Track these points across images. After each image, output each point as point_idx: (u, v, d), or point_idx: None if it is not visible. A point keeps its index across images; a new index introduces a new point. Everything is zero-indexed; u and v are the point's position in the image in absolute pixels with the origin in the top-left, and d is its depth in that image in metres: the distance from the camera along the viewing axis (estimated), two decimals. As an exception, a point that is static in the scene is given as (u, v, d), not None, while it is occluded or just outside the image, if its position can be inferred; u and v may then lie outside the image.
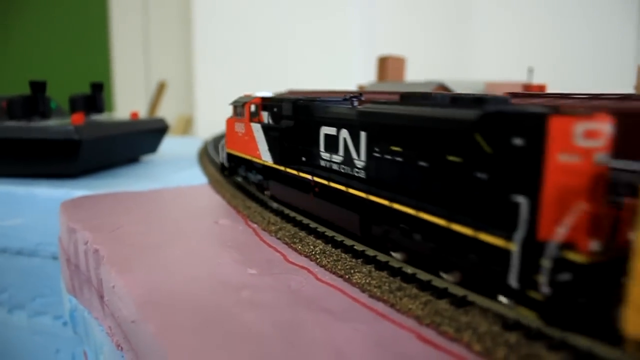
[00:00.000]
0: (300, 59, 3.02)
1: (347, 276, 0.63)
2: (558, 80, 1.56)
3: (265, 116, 0.95)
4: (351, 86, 1.89)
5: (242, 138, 1.07)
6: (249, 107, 1.01)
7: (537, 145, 0.45)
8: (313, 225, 0.80)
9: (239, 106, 1.06)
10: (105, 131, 1.35)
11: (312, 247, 0.73)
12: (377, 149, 0.67)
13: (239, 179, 1.16)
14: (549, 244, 0.44)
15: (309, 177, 0.83)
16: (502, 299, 0.50)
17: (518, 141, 0.47)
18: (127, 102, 3.67)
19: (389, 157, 0.64)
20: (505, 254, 0.48)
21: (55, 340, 1.18)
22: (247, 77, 2.94)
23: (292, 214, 0.87)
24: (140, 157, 1.71)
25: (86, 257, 0.82)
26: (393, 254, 0.67)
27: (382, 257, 0.65)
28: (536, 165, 0.45)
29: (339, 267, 0.66)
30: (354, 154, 0.72)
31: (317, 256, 0.70)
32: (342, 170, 0.75)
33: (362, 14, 3.01)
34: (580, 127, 0.44)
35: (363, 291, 0.60)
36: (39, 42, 3.82)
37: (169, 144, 1.94)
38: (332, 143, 0.76)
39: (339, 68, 2.90)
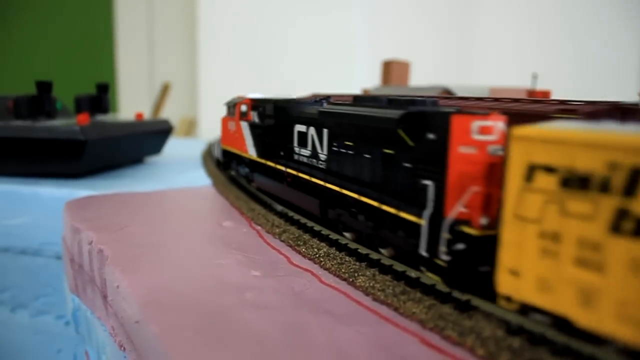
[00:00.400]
0: (304, 62, 3.02)
1: (351, 279, 0.64)
2: (563, 86, 1.56)
3: (253, 115, 1.07)
4: (356, 90, 1.89)
5: (233, 135, 1.19)
6: (240, 107, 1.13)
7: (444, 139, 0.55)
8: (317, 228, 0.80)
9: (231, 106, 1.19)
10: (110, 132, 1.36)
11: (316, 249, 0.73)
12: (335, 144, 0.78)
13: (232, 173, 1.26)
14: (446, 219, 0.54)
15: (284, 168, 0.95)
16: (422, 268, 0.60)
17: (431, 136, 0.58)
18: (131, 103, 3.67)
19: (344, 150, 0.76)
20: (418, 228, 0.58)
21: (57, 339, 1.18)
22: (251, 80, 2.95)
23: (296, 216, 0.88)
24: (144, 158, 1.71)
25: (90, 256, 0.83)
26: (345, 234, 0.77)
27: (386, 260, 0.65)
28: (443, 155, 0.56)
29: (342, 270, 0.66)
30: (318, 148, 0.83)
31: (321, 259, 0.70)
32: (309, 163, 0.86)
33: (367, 18, 3.01)
34: (476, 124, 0.54)
35: (367, 294, 0.60)
36: (44, 43, 3.83)
37: (173, 145, 1.94)
38: (303, 139, 0.88)
39: (343, 72, 2.90)
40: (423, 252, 0.57)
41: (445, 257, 0.54)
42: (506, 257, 0.49)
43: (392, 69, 1.82)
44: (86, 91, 1.62)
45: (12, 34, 3.84)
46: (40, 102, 1.40)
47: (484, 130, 0.54)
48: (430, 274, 0.58)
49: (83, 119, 1.30)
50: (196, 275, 0.68)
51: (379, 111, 0.66)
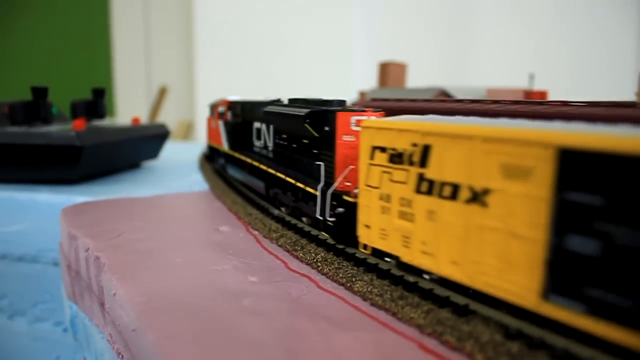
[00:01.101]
0: (301, 64, 3.02)
1: (348, 284, 0.63)
2: (560, 86, 1.56)
3: (229, 115, 1.24)
4: (352, 92, 1.89)
5: (213, 132, 1.40)
6: (218, 108, 1.33)
7: (334, 130, 0.74)
8: (314, 232, 0.80)
9: (212, 107, 1.40)
10: (106, 137, 1.35)
11: (313, 254, 0.73)
12: (277, 137, 0.95)
13: (216, 165, 1.44)
14: (330, 190, 0.73)
15: (245, 158, 1.13)
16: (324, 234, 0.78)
17: (327, 128, 0.76)
18: (128, 108, 3.67)
19: (282, 142, 0.92)
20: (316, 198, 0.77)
21: (55, 346, 1.17)
22: (248, 83, 2.95)
23: (294, 221, 0.87)
24: (141, 163, 1.71)
25: (87, 264, 0.82)
26: (282, 208, 0.95)
27: (383, 265, 0.65)
28: (333, 142, 0.74)
29: (340, 275, 0.66)
30: (267, 142, 0.99)
31: (319, 264, 0.70)
32: (261, 153, 1.03)
33: (364, 19, 3.01)
34: (354, 118, 0.73)
35: (364, 299, 0.60)
36: (40, 48, 3.83)
37: (170, 150, 1.94)
38: (258, 134, 1.05)
39: (340, 74, 2.90)
40: (318, 216, 0.76)
41: (331, 219, 0.73)
42: (361, 215, 0.68)
43: (389, 71, 1.82)
44: (83, 96, 1.62)
45: (8, 39, 3.83)
46: (35, 107, 1.39)
47: (359, 123, 0.70)
48: (324, 233, 0.78)
49: (79, 124, 1.29)
50: (193, 282, 0.68)
51: (295, 110, 0.84)
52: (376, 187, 0.64)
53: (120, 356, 0.67)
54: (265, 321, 0.55)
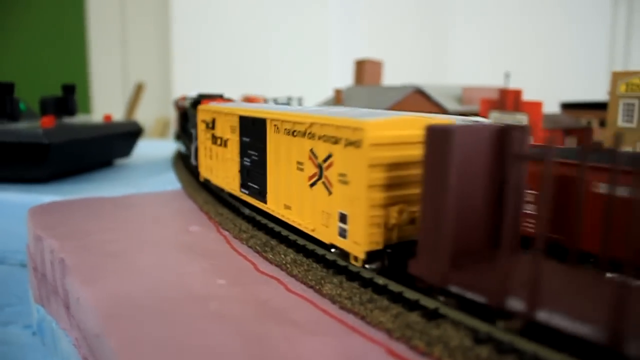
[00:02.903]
0: (278, 61, 3.01)
1: (317, 287, 0.62)
2: (534, 85, 1.56)
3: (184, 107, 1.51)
4: (328, 89, 1.88)
5: (178, 120, 1.76)
6: (178, 102, 1.69)
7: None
8: (285, 233, 0.79)
9: (175, 101, 1.81)
10: (76, 134, 1.32)
11: (283, 256, 0.72)
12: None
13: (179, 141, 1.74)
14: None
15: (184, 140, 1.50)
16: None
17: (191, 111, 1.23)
18: (104, 104, 3.61)
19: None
20: None
21: (24, 350, 1.14)
22: (225, 80, 2.92)
23: (264, 221, 0.86)
24: (113, 161, 1.68)
25: (52, 266, 0.80)
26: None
27: (353, 267, 0.64)
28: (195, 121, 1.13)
29: (309, 277, 0.64)
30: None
31: (288, 265, 0.69)
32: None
33: (341, 17, 3.00)
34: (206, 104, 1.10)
35: (334, 302, 0.59)
36: (12, 42, 3.75)
37: (144, 147, 1.91)
38: (192, 121, 1.28)
39: (316, 71, 2.89)
40: (192, 161, 1.24)
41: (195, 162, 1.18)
42: (200, 159, 1.13)
43: (364, 68, 1.81)
44: (57, 93, 1.58)
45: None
46: (1, 103, 1.35)
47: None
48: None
49: (47, 121, 1.26)
50: (160, 285, 0.66)
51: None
52: (203, 142, 1.10)
53: (85, 362, 0.65)
54: (231, 326, 0.54)
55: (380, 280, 0.59)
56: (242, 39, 3.07)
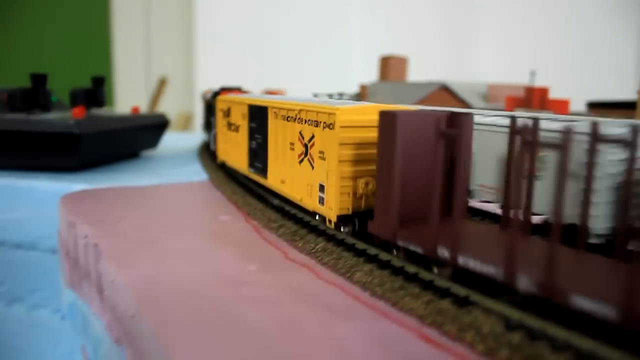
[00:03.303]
0: (302, 56, 3.02)
1: (348, 274, 0.63)
2: (561, 83, 1.56)
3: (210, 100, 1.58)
4: (351, 84, 1.88)
5: (204, 112, 1.82)
6: (205, 95, 1.76)
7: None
8: (314, 223, 0.80)
9: (202, 94, 1.88)
10: (105, 125, 1.35)
11: (313, 244, 0.73)
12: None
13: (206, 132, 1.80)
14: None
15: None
16: None
17: (213, 102, 1.44)
18: (127, 98, 3.65)
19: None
20: None
21: (54, 333, 1.17)
22: (248, 74, 2.94)
23: (293, 211, 0.87)
24: (140, 152, 1.70)
25: (85, 251, 0.82)
26: None
27: (384, 255, 0.65)
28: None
29: (340, 265, 0.65)
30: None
31: (318, 254, 0.70)
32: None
33: (365, 12, 3.00)
34: (229, 94, 1.27)
35: (364, 290, 0.60)
36: (41, 36, 3.81)
37: (169, 140, 1.93)
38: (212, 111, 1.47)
39: (341, 67, 2.89)
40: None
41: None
42: (218, 144, 1.29)
43: (389, 65, 1.82)
44: (82, 85, 1.61)
45: (9, 27, 3.81)
46: (35, 94, 1.38)
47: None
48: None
49: (78, 112, 1.29)
50: (192, 270, 0.67)
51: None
52: (220, 129, 1.25)
53: (119, 343, 0.67)
54: (264, 309, 0.55)
55: (411, 269, 0.60)
56: (265, 33, 3.09)
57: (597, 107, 1.63)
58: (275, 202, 0.94)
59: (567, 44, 2.77)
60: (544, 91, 1.39)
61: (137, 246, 0.76)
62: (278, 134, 0.88)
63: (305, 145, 0.78)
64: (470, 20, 2.99)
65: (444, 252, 0.54)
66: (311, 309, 0.55)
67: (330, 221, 0.72)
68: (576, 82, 2.32)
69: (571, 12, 2.81)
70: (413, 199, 0.60)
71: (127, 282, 0.64)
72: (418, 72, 2.03)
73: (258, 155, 0.99)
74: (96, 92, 1.60)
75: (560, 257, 0.47)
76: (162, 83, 3.36)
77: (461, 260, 0.53)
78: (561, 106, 1.30)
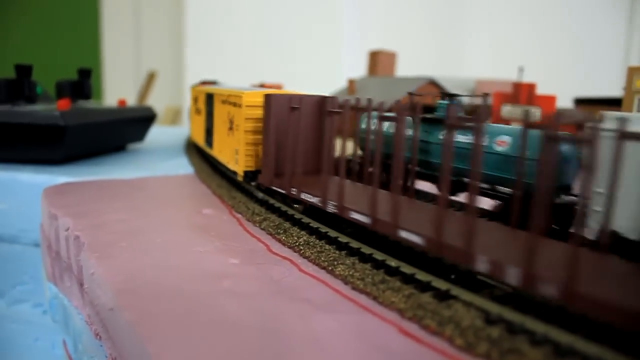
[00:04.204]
0: (291, 51, 3.01)
1: (330, 268, 0.63)
2: (549, 80, 1.56)
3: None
4: (340, 79, 1.88)
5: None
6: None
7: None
8: (298, 216, 0.79)
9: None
10: (91, 118, 1.33)
11: (296, 238, 0.72)
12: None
13: None
14: None
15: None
16: None
17: None
18: (116, 91, 3.63)
19: None
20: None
21: (34, 328, 1.16)
22: (237, 69, 2.92)
23: (277, 204, 0.86)
24: (127, 146, 1.69)
25: (67, 243, 0.81)
26: None
27: (365, 249, 0.64)
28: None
29: (322, 258, 0.65)
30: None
31: (301, 247, 0.70)
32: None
33: (355, 8, 3.00)
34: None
35: (346, 283, 0.59)
36: (30, 28, 3.77)
37: (157, 133, 1.92)
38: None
39: (329, 62, 2.88)
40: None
41: None
42: (191, 127, 1.59)
43: (378, 60, 1.81)
44: (69, 77, 1.59)
45: (-5, 18, 3.77)
46: (19, 86, 1.36)
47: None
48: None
49: (64, 104, 1.27)
50: (173, 263, 0.67)
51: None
52: (191, 114, 1.50)
53: (98, 337, 0.66)
54: (245, 302, 0.55)
55: (393, 262, 0.60)
56: (254, 28, 3.07)
57: (584, 103, 1.63)
58: (260, 195, 0.93)
59: (556, 40, 2.78)
60: (531, 87, 1.39)
61: (118, 239, 0.76)
62: (219, 114, 1.11)
63: (231, 121, 0.99)
64: (460, 17, 2.99)
65: (295, 192, 0.76)
66: (292, 302, 0.55)
67: (241, 176, 0.94)
68: (564, 79, 2.33)
69: (560, 9, 2.82)
70: (286, 159, 0.80)
71: (107, 274, 0.63)
72: (408, 68, 2.02)
73: (209, 132, 1.23)
74: (82, 84, 1.58)
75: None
76: (151, 77, 3.34)
77: (304, 195, 0.74)
78: (548, 102, 1.31)
